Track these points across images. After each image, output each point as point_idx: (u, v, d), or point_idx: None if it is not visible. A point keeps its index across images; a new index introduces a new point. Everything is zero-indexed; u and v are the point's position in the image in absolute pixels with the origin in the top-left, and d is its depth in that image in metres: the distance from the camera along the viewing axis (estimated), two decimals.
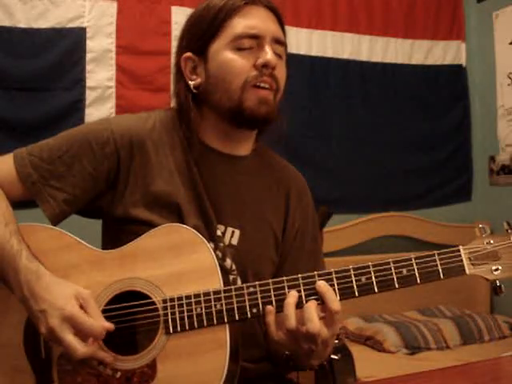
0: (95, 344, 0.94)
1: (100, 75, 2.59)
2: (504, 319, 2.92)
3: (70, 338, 0.92)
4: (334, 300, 0.96)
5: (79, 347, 0.92)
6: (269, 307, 0.98)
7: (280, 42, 1.14)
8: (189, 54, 1.16)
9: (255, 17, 1.12)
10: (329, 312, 0.96)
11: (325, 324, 0.96)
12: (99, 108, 2.58)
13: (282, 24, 1.17)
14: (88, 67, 2.57)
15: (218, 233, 1.13)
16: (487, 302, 3.22)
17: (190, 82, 1.15)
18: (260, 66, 1.10)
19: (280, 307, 0.98)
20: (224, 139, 1.17)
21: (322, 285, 0.97)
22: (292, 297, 0.97)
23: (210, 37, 1.13)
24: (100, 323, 0.94)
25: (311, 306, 0.96)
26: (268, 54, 1.10)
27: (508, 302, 3.12)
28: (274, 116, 1.14)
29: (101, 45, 2.60)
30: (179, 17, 2.71)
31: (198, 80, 1.15)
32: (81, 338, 0.92)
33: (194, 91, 1.15)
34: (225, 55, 1.11)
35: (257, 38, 1.11)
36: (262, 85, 1.11)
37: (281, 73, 1.14)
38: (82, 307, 0.95)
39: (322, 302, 0.97)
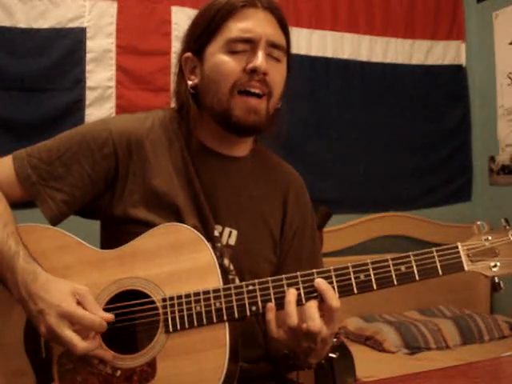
0: (96, 339, 0.94)
1: (100, 75, 2.59)
2: (504, 319, 2.92)
3: (69, 334, 0.92)
4: (333, 298, 0.96)
5: (79, 342, 0.91)
6: (270, 304, 0.98)
7: (277, 46, 1.12)
8: (189, 54, 1.16)
9: (251, 20, 1.10)
10: (328, 309, 0.96)
11: (324, 322, 0.96)
12: (99, 108, 2.59)
13: (284, 26, 1.15)
14: (88, 67, 2.57)
15: (216, 233, 1.13)
16: (487, 302, 3.22)
17: (188, 82, 1.16)
18: (249, 70, 1.08)
19: (279, 305, 0.98)
20: (221, 140, 1.17)
21: (320, 282, 0.97)
22: (292, 295, 0.97)
23: (207, 38, 1.12)
24: (99, 315, 0.94)
25: (312, 305, 0.96)
26: (258, 59, 1.08)
27: (508, 302, 3.12)
28: (264, 124, 1.12)
29: (101, 45, 2.59)
30: (179, 17, 2.71)
31: (196, 81, 1.15)
32: (82, 334, 0.92)
33: (192, 91, 1.15)
34: (217, 57, 1.11)
35: (251, 42, 1.09)
36: (252, 90, 1.09)
37: (276, 77, 1.12)
38: (79, 303, 0.95)
39: (321, 299, 0.97)
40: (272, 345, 1.10)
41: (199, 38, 1.14)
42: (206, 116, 1.16)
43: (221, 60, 1.10)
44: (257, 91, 1.09)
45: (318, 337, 0.96)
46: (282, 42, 1.14)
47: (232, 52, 1.09)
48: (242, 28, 1.09)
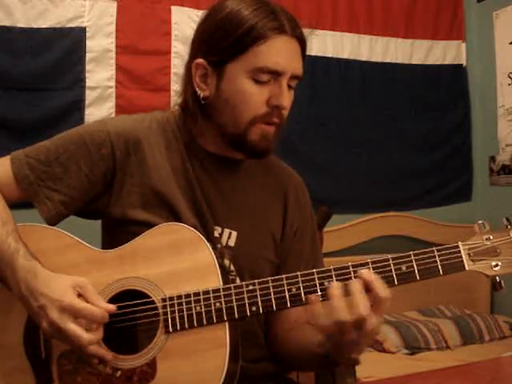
0: (99, 331, 0.94)
1: (100, 75, 2.60)
2: (504, 319, 2.92)
3: (73, 327, 0.92)
4: (382, 287, 0.93)
5: (84, 334, 0.92)
6: (313, 296, 0.95)
7: (298, 77, 1.11)
8: (202, 61, 1.11)
9: (281, 51, 1.07)
10: (378, 299, 0.92)
11: (373, 311, 0.92)
12: (99, 108, 2.59)
13: (304, 52, 1.13)
14: (88, 67, 2.57)
15: (216, 234, 1.13)
16: (487, 302, 3.22)
17: (198, 91, 1.12)
18: (273, 105, 1.08)
19: (280, 304, 0.97)
20: (222, 146, 1.16)
21: (366, 273, 0.94)
22: (337, 288, 0.93)
23: (231, 56, 1.08)
24: (101, 306, 0.94)
25: (357, 288, 0.93)
26: (284, 97, 1.08)
27: (508, 302, 3.12)
28: (272, 149, 1.13)
29: (101, 45, 2.60)
30: (179, 17, 2.72)
31: (207, 92, 1.12)
32: (84, 326, 0.93)
33: (202, 102, 1.12)
34: (241, 83, 1.08)
35: (276, 74, 1.07)
36: (270, 123, 1.09)
37: (288, 108, 1.12)
38: (80, 296, 0.95)
39: (366, 290, 0.93)
40: (309, 340, 1.08)
41: (221, 51, 1.09)
42: (211, 126, 1.14)
43: (245, 88, 1.07)
44: (273, 123, 1.10)
45: (367, 322, 0.91)
46: (302, 71, 1.12)
47: (257, 81, 1.07)
48: (272, 59, 1.06)
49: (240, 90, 1.08)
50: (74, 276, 0.98)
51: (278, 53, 1.07)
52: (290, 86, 1.11)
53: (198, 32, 1.15)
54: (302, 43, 1.12)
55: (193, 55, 1.14)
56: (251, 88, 1.08)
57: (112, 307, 0.96)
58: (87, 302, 0.94)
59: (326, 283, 0.97)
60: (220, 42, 1.09)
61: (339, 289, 0.94)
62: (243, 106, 1.08)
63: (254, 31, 1.06)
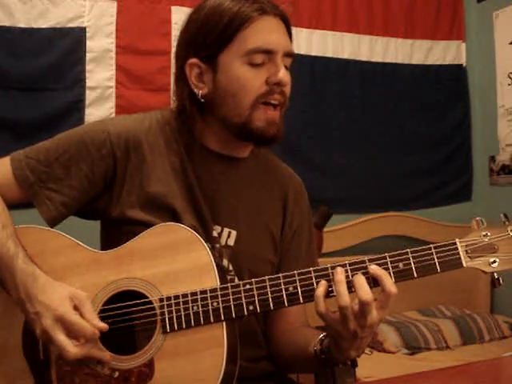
0: (88, 345, 0.93)
1: (100, 75, 2.60)
2: (504, 319, 2.92)
3: (61, 338, 0.91)
4: (392, 283, 0.94)
5: (70, 347, 0.91)
6: (322, 281, 0.96)
7: (290, 55, 1.12)
8: (195, 60, 1.12)
9: (268, 30, 1.08)
10: (386, 295, 0.93)
11: (376, 306, 0.93)
12: (99, 108, 2.59)
13: (290, 31, 1.14)
14: (88, 67, 2.57)
15: (214, 233, 1.13)
16: (487, 302, 3.22)
17: (195, 90, 1.12)
18: (272, 83, 1.08)
19: (277, 304, 0.97)
20: (224, 142, 1.16)
21: (376, 269, 0.95)
22: (340, 274, 0.95)
23: (221, 46, 1.09)
24: (92, 323, 0.93)
25: (361, 277, 0.94)
26: (281, 72, 1.08)
27: (508, 302, 3.12)
28: (282, 134, 1.13)
29: (101, 45, 2.60)
30: (179, 17, 2.71)
31: (205, 90, 1.12)
32: (74, 339, 0.92)
33: (202, 100, 1.12)
34: (237, 69, 1.08)
35: (269, 53, 1.08)
36: (273, 102, 1.09)
37: (288, 85, 1.12)
38: (76, 308, 0.94)
39: (373, 285, 0.95)
40: (300, 341, 1.09)
41: (210, 45, 1.10)
42: (213, 122, 1.14)
43: (241, 73, 1.08)
44: (276, 102, 1.10)
45: (368, 315, 0.92)
46: (293, 49, 1.13)
47: (252, 64, 1.08)
48: (262, 39, 1.07)
49: (237, 77, 1.08)
50: (72, 287, 0.98)
51: (266, 32, 1.08)
52: (285, 67, 1.11)
53: (184, 34, 1.16)
54: (286, 21, 1.13)
55: (183, 58, 1.14)
56: (248, 72, 1.08)
57: (104, 326, 0.94)
58: (81, 316, 0.93)
59: (323, 281, 0.97)
60: (207, 37, 1.10)
61: (343, 274, 0.95)
62: (243, 91, 1.08)
63: (238, 17, 1.07)
